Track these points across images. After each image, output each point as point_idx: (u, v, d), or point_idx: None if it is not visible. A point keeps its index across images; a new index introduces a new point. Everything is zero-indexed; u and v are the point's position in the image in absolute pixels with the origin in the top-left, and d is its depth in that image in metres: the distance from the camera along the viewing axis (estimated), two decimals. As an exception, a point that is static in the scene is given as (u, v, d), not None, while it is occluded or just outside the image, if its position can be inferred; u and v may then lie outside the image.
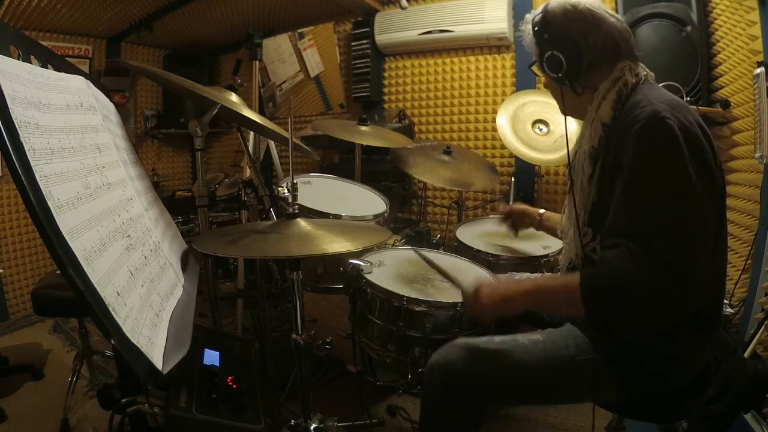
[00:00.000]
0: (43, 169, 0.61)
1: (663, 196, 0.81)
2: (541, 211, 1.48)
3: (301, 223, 1.08)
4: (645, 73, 0.98)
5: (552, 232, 1.50)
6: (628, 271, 0.78)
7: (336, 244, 0.99)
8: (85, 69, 3.25)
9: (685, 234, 0.79)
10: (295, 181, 1.14)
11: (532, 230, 1.81)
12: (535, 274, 1.39)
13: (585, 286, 0.83)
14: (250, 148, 1.79)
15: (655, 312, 0.80)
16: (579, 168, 1.02)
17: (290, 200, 1.12)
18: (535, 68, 1.08)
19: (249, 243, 1.02)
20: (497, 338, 1.03)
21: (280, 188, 1.49)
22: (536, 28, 1.02)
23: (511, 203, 1.75)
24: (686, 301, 0.79)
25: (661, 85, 1.01)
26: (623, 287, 0.78)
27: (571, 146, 1.08)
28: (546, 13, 1.00)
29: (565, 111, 1.09)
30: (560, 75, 1.00)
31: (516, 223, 1.53)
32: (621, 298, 0.79)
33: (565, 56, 0.98)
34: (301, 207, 1.11)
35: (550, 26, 1.00)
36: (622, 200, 0.85)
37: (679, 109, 0.86)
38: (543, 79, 1.12)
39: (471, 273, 1.42)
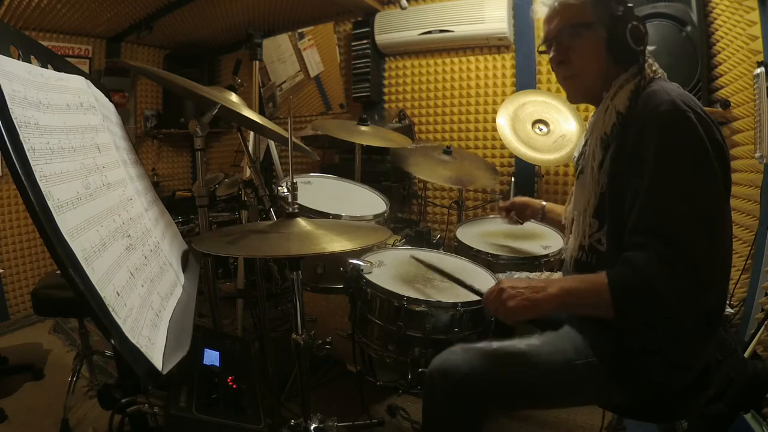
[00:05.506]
0: (42, 169, 0.61)
1: (691, 195, 0.82)
2: (544, 203, 1.51)
3: (301, 222, 1.07)
4: (661, 71, 1.00)
5: (556, 224, 1.51)
6: (660, 275, 0.79)
7: (336, 243, 0.98)
8: (85, 69, 3.25)
9: (710, 234, 0.80)
10: (295, 181, 1.14)
11: (532, 230, 1.82)
12: (545, 273, 1.39)
13: (616, 290, 0.83)
14: (250, 148, 1.79)
15: (685, 312, 0.81)
16: (590, 154, 1.02)
17: (290, 200, 1.12)
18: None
19: (249, 243, 1.02)
20: (495, 343, 1.03)
21: (279, 188, 1.49)
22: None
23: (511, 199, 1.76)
24: (708, 300, 0.81)
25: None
26: (655, 291, 0.79)
27: (572, 146, 1.08)
28: None
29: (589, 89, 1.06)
30: (635, 48, 0.96)
31: (520, 214, 1.57)
32: (653, 302, 0.80)
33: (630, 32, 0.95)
34: (301, 207, 1.11)
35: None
36: (649, 197, 0.85)
37: (692, 102, 0.87)
38: (546, 78, 1.11)
39: (471, 273, 1.42)
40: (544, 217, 1.51)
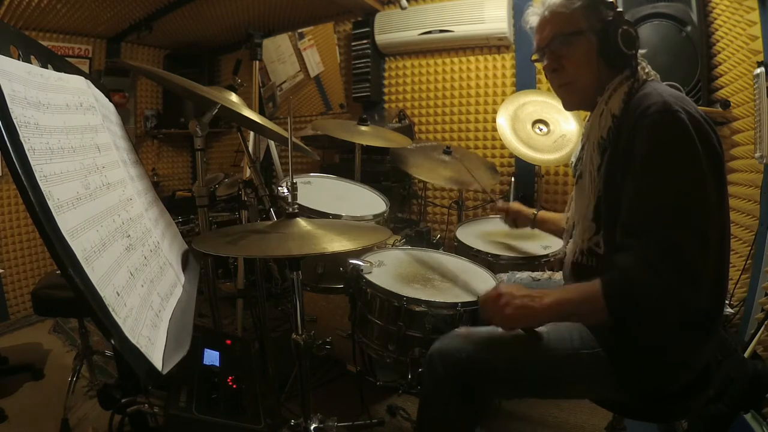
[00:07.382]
0: (42, 169, 0.61)
1: (678, 195, 0.82)
2: (535, 211, 1.53)
3: (301, 222, 1.07)
4: (654, 73, 1.00)
5: (549, 232, 1.51)
6: (640, 278, 0.80)
7: (336, 243, 0.98)
8: (85, 69, 3.25)
9: (699, 234, 0.81)
10: (294, 181, 1.14)
11: (532, 230, 1.82)
12: (546, 273, 1.39)
13: (608, 296, 0.83)
14: (250, 148, 1.79)
15: (671, 311, 0.82)
16: (587, 159, 1.03)
17: (290, 200, 1.12)
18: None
19: (249, 243, 1.02)
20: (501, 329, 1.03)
21: (279, 188, 1.49)
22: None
23: (511, 201, 1.76)
24: (698, 299, 0.81)
25: (661, 85, 1.02)
26: (637, 294, 0.80)
27: (572, 146, 1.08)
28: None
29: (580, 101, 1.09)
30: (627, 52, 0.97)
31: (514, 221, 1.59)
32: (636, 305, 0.81)
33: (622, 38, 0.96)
34: (301, 207, 1.10)
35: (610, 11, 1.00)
36: (637, 196, 0.85)
37: (685, 103, 0.87)
38: (546, 76, 1.10)
39: (472, 273, 1.42)
40: (535, 225, 1.52)
